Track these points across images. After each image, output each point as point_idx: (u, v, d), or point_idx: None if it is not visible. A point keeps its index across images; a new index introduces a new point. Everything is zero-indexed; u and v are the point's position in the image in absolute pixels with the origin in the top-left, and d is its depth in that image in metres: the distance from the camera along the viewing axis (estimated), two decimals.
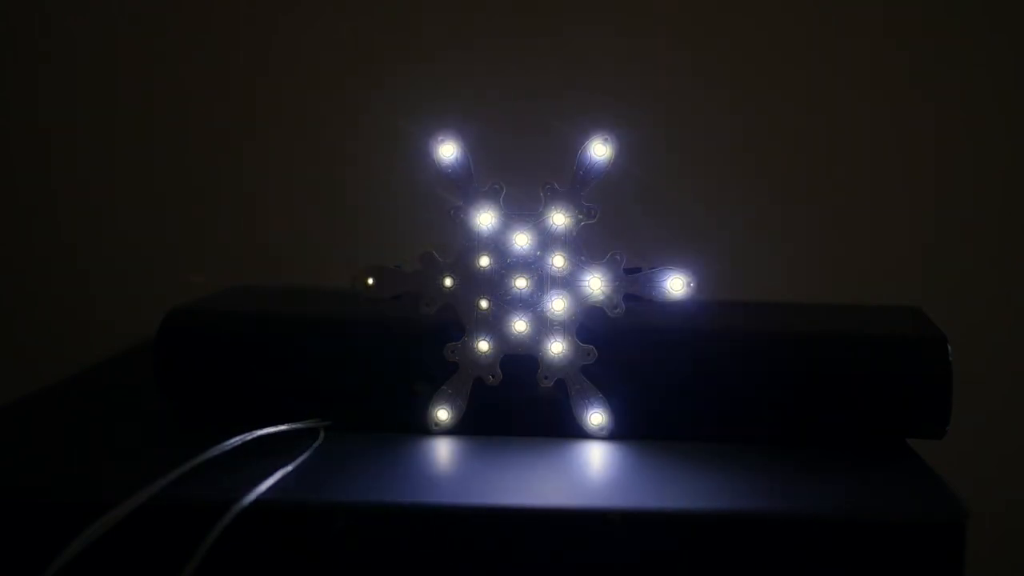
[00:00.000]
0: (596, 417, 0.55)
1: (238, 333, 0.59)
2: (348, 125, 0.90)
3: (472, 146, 0.56)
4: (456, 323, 0.56)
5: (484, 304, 0.55)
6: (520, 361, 0.56)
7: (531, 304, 0.55)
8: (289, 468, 0.49)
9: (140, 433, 0.58)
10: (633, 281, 0.55)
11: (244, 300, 0.67)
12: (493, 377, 0.56)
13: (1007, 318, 0.89)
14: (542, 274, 0.55)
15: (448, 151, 0.55)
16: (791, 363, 0.56)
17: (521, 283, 0.55)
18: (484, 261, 0.55)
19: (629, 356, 0.56)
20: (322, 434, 0.54)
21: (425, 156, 0.56)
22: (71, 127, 0.91)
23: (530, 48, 0.89)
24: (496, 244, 0.55)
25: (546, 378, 0.55)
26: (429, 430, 0.56)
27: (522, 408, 0.56)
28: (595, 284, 0.55)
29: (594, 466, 0.53)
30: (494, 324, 0.56)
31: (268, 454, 0.50)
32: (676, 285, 0.55)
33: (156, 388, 0.58)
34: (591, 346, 0.55)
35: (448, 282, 0.56)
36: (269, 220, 0.91)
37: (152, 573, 0.45)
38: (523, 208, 0.55)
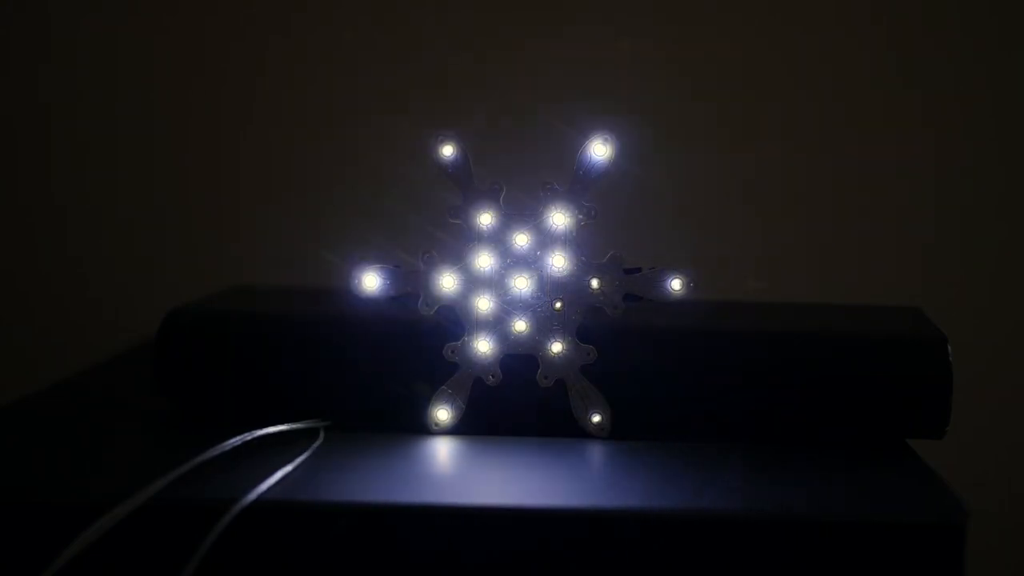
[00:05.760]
0: (596, 417, 0.55)
1: (238, 333, 0.59)
2: (348, 125, 0.90)
3: (472, 146, 0.56)
4: (456, 323, 0.56)
5: (484, 304, 0.55)
6: (520, 361, 0.56)
7: (531, 304, 0.55)
8: (289, 468, 0.49)
9: (140, 433, 0.58)
10: (633, 281, 0.55)
11: (244, 300, 0.67)
12: (493, 377, 0.56)
13: (1007, 318, 0.89)
14: (542, 274, 0.55)
15: (448, 151, 0.55)
16: (791, 363, 0.56)
17: (521, 283, 0.55)
18: (484, 261, 0.55)
19: (629, 356, 0.56)
20: (322, 434, 0.54)
21: (425, 156, 0.56)
22: (71, 127, 0.91)
23: (530, 48, 0.89)
24: (496, 244, 0.55)
25: (546, 378, 0.55)
26: (429, 430, 0.56)
27: (522, 408, 0.56)
28: (595, 284, 0.55)
29: (594, 466, 0.53)
30: (494, 324, 0.56)
31: (268, 454, 0.50)
32: (676, 285, 0.55)
33: (156, 388, 0.58)
34: (591, 346, 0.55)
35: (448, 282, 0.56)
36: (269, 220, 0.91)
37: (152, 573, 0.45)
38: (523, 208, 0.55)
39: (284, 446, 0.52)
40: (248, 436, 0.52)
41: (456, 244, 0.56)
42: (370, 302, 0.57)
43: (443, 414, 0.56)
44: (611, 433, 0.55)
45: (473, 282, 0.56)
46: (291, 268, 0.90)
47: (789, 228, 0.89)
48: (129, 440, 0.56)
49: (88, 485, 0.48)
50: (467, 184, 0.55)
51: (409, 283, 0.56)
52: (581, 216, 0.55)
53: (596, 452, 0.54)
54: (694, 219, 0.89)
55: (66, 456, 0.53)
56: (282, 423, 0.54)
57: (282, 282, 0.81)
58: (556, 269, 0.55)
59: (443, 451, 0.54)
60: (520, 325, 0.55)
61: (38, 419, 0.59)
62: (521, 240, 0.55)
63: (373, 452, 0.53)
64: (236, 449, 0.51)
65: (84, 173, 0.92)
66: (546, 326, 0.55)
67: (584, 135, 0.55)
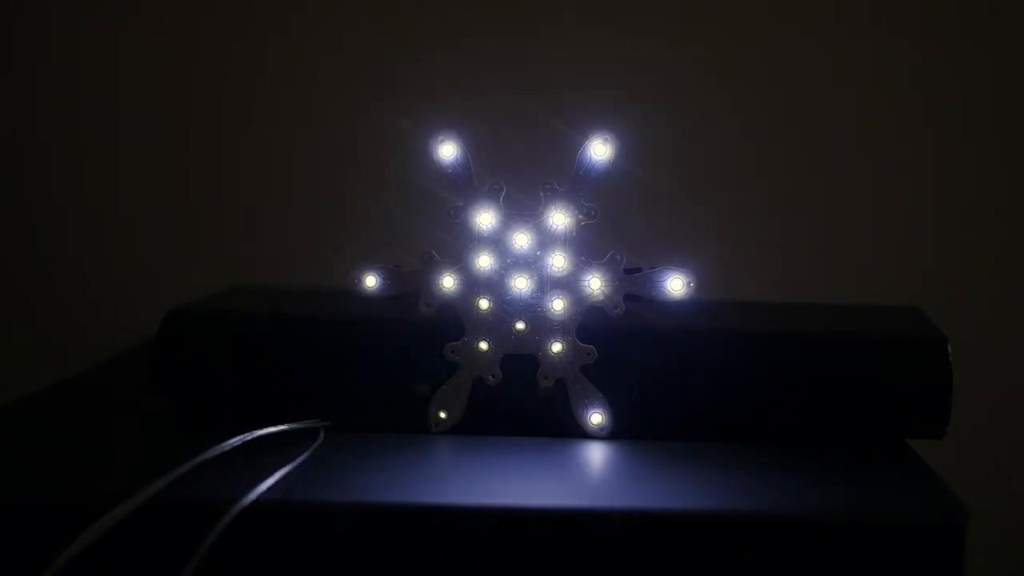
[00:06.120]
0: (596, 417, 0.55)
1: (238, 333, 0.59)
2: (348, 125, 0.90)
3: (472, 146, 0.56)
4: (456, 323, 0.56)
5: (484, 304, 0.55)
6: (520, 361, 0.56)
7: (531, 304, 0.55)
8: (289, 468, 0.49)
9: (140, 433, 0.58)
10: (633, 281, 0.55)
11: (244, 300, 0.67)
12: (493, 377, 0.56)
13: (1007, 318, 0.89)
14: (542, 274, 0.55)
15: (448, 151, 0.55)
16: (791, 363, 0.56)
17: (521, 283, 0.55)
18: (484, 261, 0.55)
19: (629, 356, 0.56)
20: (322, 434, 0.54)
21: (425, 156, 0.56)
22: (71, 127, 0.91)
23: (530, 48, 0.89)
24: (496, 244, 0.55)
25: (546, 378, 0.55)
26: (429, 430, 0.56)
27: (522, 408, 0.56)
28: (595, 284, 0.55)
29: (594, 466, 0.53)
30: (494, 324, 0.56)
31: (268, 454, 0.50)
32: (676, 285, 0.55)
33: (156, 388, 0.58)
34: (591, 346, 0.55)
35: (448, 282, 0.56)
36: (269, 220, 0.91)
37: (152, 573, 0.45)
38: (523, 208, 0.55)
39: (284, 446, 0.52)
40: (248, 436, 0.52)
41: (456, 244, 0.56)
42: (370, 302, 0.57)
43: (443, 414, 0.56)
44: (611, 433, 0.55)
45: (473, 282, 0.56)
46: (291, 268, 0.90)
47: (789, 228, 0.89)
48: (129, 440, 0.56)
49: (88, 485, 0.48)
50: (467, 184, 0.55)
51: (409, 283, 0.56)
52: (581, 216, 0.55)
53: (596, 452, 0.54)
54: (694, 219, 0.89)
55: (66, 456, 0.53)
56: (282, 423, 0.54)
57: (282, 282, 0.81)
58: (556, 269, 0.55)
59: (443, 451, 0.54)
60: (520, 325, 0.55)
61: (38, 419, 0.59)
62: (521, 240, 0.55)
63: (373, 452, 0.53)
64: (236, 449, 0.51)
65: (84, 173, 0.92)
66: (546, 326, 0.55)
67: (584, 135, 0.55)
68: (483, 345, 0.55)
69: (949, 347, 0.56)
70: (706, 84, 0.89)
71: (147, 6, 0.91)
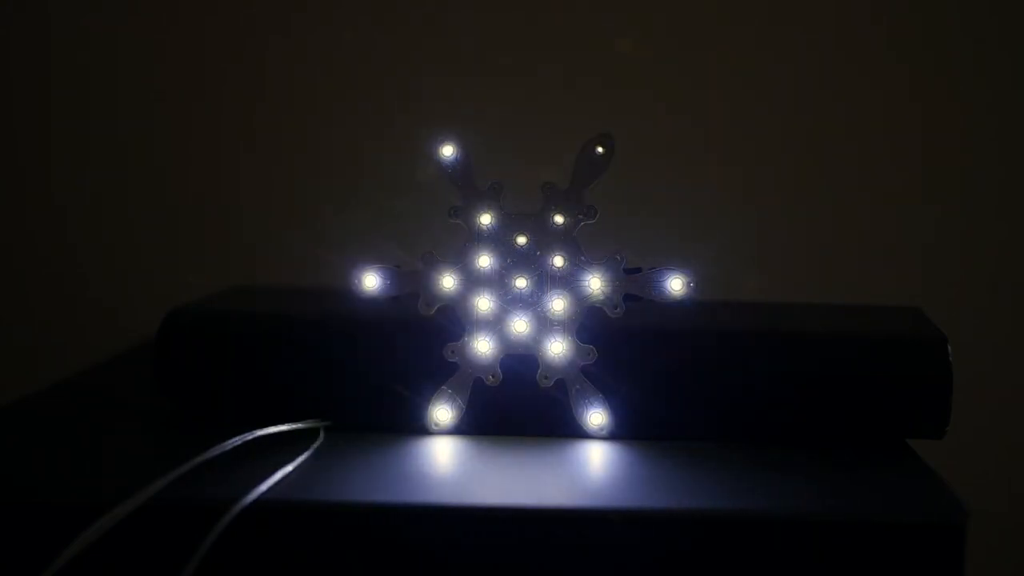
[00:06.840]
0: (596, 417, 0.55)
1: (238, 333, 0.59)
2: (348, 125, 0.90)
3: (472, 146, 0.56)
4: (456, 323, 0.56)
5: (484, 304, 0.55)
6: (520, 361, 0.56)
7: (531, 304, 0.55)
8: (289, 468, 0.49)
9: (140, 433, 0.58)
10: (633, 281, 0.55)
11: (244, 300, 0.67)
12: (493, 377, 0.56)
13: (1007, 318, 0.89)
14: (542, 274, 0.55)
15: (448, 151, 0.55)
16: (791, 363, 0.56)
17: (521, 283, 0.55)
18: (484, 261, 0.55)
19: (629, 356, 0.56)
20: (322, 434, 0.54)
21: (425, 156, 0.56)
22: (72, 126, 0.91)
23: (530, 48, 0.89)
24: (496, 244, 0.55)
25: (546, 378, 0.55)
26: (429, 430, 0.56)
27: (522, 408, 0.56)
28: (595, 284, 0.55)
29: (594, 466, 0.53)
30: (494, 324, 0.56)
31: (268, 454, 0.50)
32: (676, 285, 0.55)
33: (156, 388, 0.58)
34: (591, 346, 0.55)
35: (448, 282, 0.56)
36: (269, 220, 0.91)
37: (152, 573, 0.45)
38: (523, 208, 0.55)
39: (284, 446, 0.52)
40: (248, 436, 0.52)
41: (456, 244, 0.56)
42: (370, 302, 0.57)
43: (443, 414, 0.56)
44: (611, 433, 0.55)
45: (473, 282, 0.56)
46: (291, 268, 0.90)
47: (789, 228, 0.89)
48: (129, 440, 0.56)
49: (88, 485, 0.48)
50: (467, 184, 0.55)
51: (409, 283, 0.56)
52: (581, 216, 0.55)
53: (596, 452, 0.54)
54: (694, 219, 0.89)
55: (66, 456, 0.53)
56: (282, 423, 0.54)
57: (282, 282, 0.81)
58: (556, 269, 0.55)
59: (443, 451, 0.54)
60: (520, 325, 0.55)
61: (38, 419, 0.59)
62: (521, 240, 0.55)
63: (373, 452, 0.53)
64: (236, 449, 0.51)
65: (84, 173, 0.92)
66: (546, 326, 0.55)
67: (584, 135, 0.55)
68: (483, 345, 0.55)
69: (949, 347, 0.56)
70: (706, 84, 0.89)
71: (147, 6, 0.90)
